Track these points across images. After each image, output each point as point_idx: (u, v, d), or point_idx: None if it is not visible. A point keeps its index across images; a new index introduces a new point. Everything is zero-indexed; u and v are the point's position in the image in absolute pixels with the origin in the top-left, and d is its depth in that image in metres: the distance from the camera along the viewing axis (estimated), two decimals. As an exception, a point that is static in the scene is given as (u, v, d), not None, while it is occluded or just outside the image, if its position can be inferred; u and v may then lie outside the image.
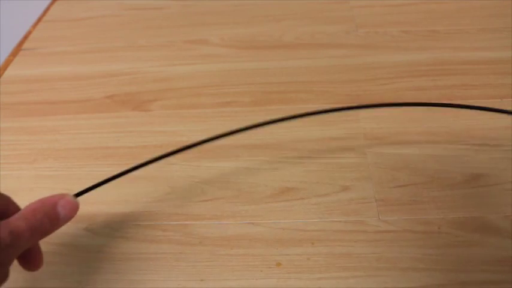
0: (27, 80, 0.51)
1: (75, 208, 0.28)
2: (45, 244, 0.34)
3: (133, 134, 0.43)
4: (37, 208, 0.26)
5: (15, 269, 0.32)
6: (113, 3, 0.64)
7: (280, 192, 0.36)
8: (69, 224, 0.35)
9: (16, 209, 0.29)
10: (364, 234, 0.33)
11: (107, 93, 0.48)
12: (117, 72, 0.51)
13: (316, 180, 0.37)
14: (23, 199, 0.37)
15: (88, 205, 0.37)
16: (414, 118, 0.42)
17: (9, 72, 0.53)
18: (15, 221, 0.25)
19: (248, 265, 0.32)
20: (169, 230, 0.34)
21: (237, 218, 0.35)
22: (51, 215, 0.27)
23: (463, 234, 0.33)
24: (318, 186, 0.37)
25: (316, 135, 0.41)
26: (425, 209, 0.34)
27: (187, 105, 0.46)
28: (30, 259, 0.29)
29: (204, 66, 0.51)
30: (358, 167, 0.38)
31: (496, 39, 0.51)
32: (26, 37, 0.59)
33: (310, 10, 0.59)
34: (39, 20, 0.62)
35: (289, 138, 0.41)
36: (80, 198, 0.37)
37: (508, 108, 0.42)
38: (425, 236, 0.33)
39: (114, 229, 0.35)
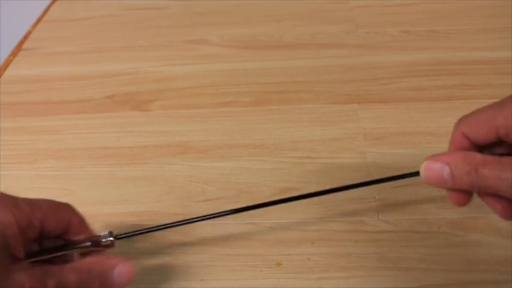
0: (27, 80, 0.51)
1: (132, 277, 0.25)
2: (45, 244, 0.34)
3: (133, 134, 0.43)
4: (93, 267, 0.24)
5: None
6: (113, 3, 0.64)
7: (280, 192, 0.36)
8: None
9: (78, 220, 0.26)
10: (364, 234, 0.33)
11: (107, 93, 0.48)
12: (117, 72, 0.51)
13: (316, 180, 0.37)
14: (23, 199, 0.37)
15: (88, 205, 0.37)
16: (414, 118, 0.42)
17: (9, 72, 0.53)
18: (67, 272, 0.23)
19: (248, 265, 0.32)
20: (169, 230, 0.34)
21: (237, 218, 0.35)
22: (105, 280, 0.24)
23: (463, 234, 0.32)
24: (318, 186, 0.37)
25: (316, 135, 0.41)
26: (425, 209, 0.34)
27: (187, 105, 0.46)
28: None
29: (204, 66, 0.51)
30: (358, 167, 0.38)
31: (496, 39, 0.51)
32: (26, 37, 0.59)
33: (310, 10, 0.59)
34: (39, 20, 0.62)
35: (289, 138, 0.41)
36: (80, 199, 0.37)
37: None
38: (425, 236, 0.33)
39: (114, 229, 0.35)
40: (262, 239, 0.33)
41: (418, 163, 0.38)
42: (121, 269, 0.25)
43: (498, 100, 0.24)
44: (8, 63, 0.54)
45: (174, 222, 0.30)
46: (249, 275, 0.31)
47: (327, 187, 0.36)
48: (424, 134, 0.40)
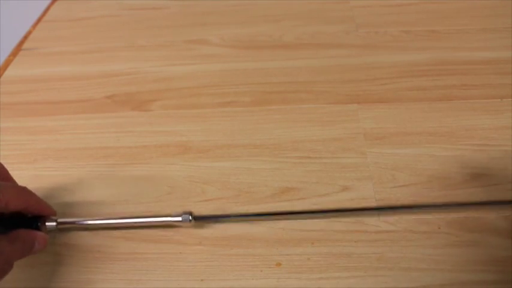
0: (27, 80, 0.51)
1: (45, 243, 0.33)
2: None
3: (133, 134, 0.43)
4: (22, 234, 0.31)
5: (16, 269, 0.32)
6: (113, 3, 0.64)
7: (280, 192, 0.36)
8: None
9: (35, 200, 0.33)
10: (364, 234, 0.33)
11: (107, 93, 0.48)
12: (117, 72, 0.51)
13: (316, 180, 0.37)
14: (23, 199, 0.37)
15: (88, 205, 0.37)
16: (414, 118, 0.42)
17: (9, 72, 0.53)
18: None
19: (248, 265, 0.32)
20: (169, 230, 0.34)
21: (236, 218, 0.35)
22: (30, 244, 0.32)
23: (463, 234, 0.33)
24: (318, 186, 0.37)
25: (316, 135, 0.41)
26: (425, 209, 0.34)
27: (187, 105, 0.46)
28: None
29: (204, 66, 0.51)
30: (358, 167, 0.38)
31: (496, 39, 0.51)
32: (26, 37, 0.59)
33: (310, 10, 0.59)
34: (39, 20, 0.62)
35: (289, 138, 0.41)
36: (80, 199, 0.37)
37: (509, 108, 0.42)
38: (425, 236, 0.33)
39: (114, 229, 0.35)
40: (262, 239, 0.33)
41: (418, 163, 0.38)
42: (39, 237, 0.32)
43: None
44: (8, 63, 0.54)
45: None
46: (249, 275, 0.31)
47: (327, 187, 0.37)
48: (424, 134, 0.40)
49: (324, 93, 0.46)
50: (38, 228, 0.33)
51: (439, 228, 0.33)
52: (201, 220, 0.34)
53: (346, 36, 0.54)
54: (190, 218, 0.33)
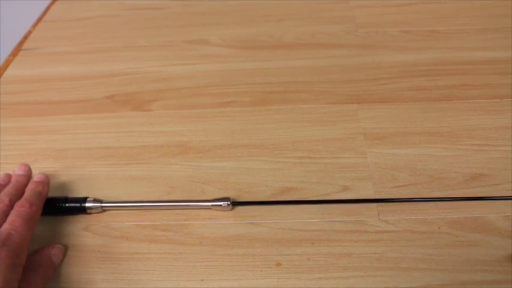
0: (27, 80, 0.51)
1: (61, 255, 0.33)
2: (46, 244, 0.34)
3: (133, 134, 0.43)
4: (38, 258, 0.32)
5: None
6: (113, 3, 0.64)
7: (280, 192, 0.36)
8: (69, 223, 0.35)
9: None
10: (364, 234, 0.33)
11: (107, 93, 0.48)
12: (117, 72, 0.51)
13: (316, 180, 0.37)
14: (23, 199, 0.37)
15: (88, 205, 0.37)
16: (414, 118, 0.42)
17: (9, 72, 0.53)
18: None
19: (248, 265, 0.32)
20: (169, 230, 0.34)
21: (237, 218, 0.35)
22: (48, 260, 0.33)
23: (463, 234, 0.33)
24: (318, 186, 0.37)
25: (316, 135, 0.41)
26: (425, 209, 0.34)
27: (187, 105, 0.46)
28: None
29: (204, 66, 0.51)
30: (358, 167, 0.38)
31: (496, 39, 0.51)
32: (26, 37, 0.59)
33: (310, 10, 0.59)
34: (39, 20, 0.62)
35: (289, 138, 0.41)
36: (80, 198, 0.37)
37: (509, 108, 0.42)
38: (425, 236, 0.33)
39: (114, 229, 0.35)
40: (262, 239, 0.33)
41: (418, 163, 0.38)
42: (55, 250, 0.33)
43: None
44: (8, 63, 0.54)
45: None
46: (249, 275, 0.31)
47: (327, 187, 0.37)
48: (424, 134, 0.40)
49: (324, 93, 0.46)
50: (83, 210, 0.35)
51: (439, 228, 0.33)
52: (239, 205, 0.35)
53: (346, 36, 0.54)
54: (228, 203, 0.35)
